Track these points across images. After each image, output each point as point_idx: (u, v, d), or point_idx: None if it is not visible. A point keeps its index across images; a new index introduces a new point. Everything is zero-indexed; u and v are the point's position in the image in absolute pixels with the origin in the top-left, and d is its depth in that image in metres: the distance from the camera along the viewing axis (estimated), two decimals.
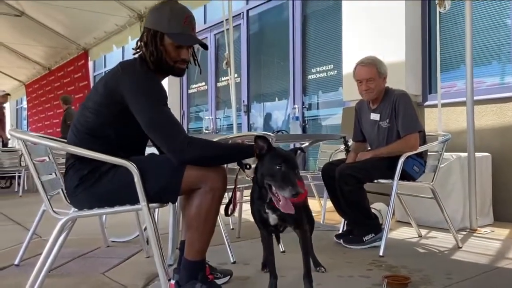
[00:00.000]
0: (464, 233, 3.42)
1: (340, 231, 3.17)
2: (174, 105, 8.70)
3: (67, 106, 9.00)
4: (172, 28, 1.94)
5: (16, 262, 2.67)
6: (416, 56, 4.64)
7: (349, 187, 2.82)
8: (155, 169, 1.83)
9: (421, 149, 2.87)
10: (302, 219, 1.97)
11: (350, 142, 3.44)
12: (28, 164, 1.77)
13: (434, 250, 2.91)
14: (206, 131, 7.88)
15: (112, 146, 1.87)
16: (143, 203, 1.77)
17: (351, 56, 5.07)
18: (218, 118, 7.83)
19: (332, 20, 5.87)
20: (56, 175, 2.11)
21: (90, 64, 10.35)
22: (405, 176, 2.87)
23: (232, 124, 5.38)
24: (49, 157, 2.10)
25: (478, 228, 3.51)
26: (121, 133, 1.91)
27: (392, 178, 2.80)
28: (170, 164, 1.82)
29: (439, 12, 3.94)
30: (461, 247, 2.91)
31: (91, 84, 10.59)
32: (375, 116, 2.99)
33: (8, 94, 9.44)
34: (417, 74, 4.65)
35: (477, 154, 3.66)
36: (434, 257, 2.75)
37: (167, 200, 1.91)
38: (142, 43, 2.00)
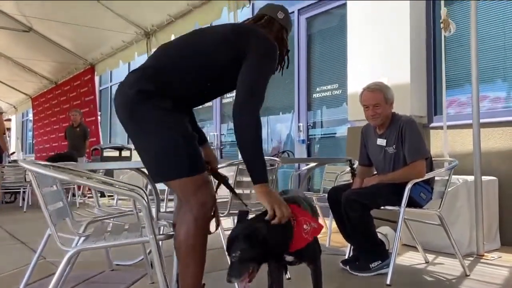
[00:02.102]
0: (471, 258, 3.39)
1: (346, 257, 3.15)
2: None
3: (81, 120, 8.95)
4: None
5: (21, 287, 2.66)
6: (421, 77, 4.65)
7: (355, 213, 2.81)
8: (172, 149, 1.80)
9: (427, 176, 2.86)
10: (316, 255, 1.94)
11: (356, 164, 3.43)
12: (37, 195, 1.77)
13: (442, 278, 2.88)
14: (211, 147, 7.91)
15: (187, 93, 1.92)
16: (150, 236, 1.77)
17: (356, 77, 5.08)
18: (223, 134, 7.85)
19: (337, 40, 5.90)
20: (63, 203, 2.11)
21: (96, 78, 10.41)
22: (412, 203, 2.86)
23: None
24: (56, 186, 2.10)
25: (485, 254, 3.48)
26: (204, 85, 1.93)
27: (399, 204, 2.79)
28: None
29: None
30: (468, 275, 2.88)
31: (97, 99, 10.66)
32: (381, 142, 2.99)
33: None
34: (423, 95, 4.64)
35: (484, 178, 3.64)
36: (442, 286, 2.72)
37: (154, 174, 1.88)
38: (269, 26, 2.09)
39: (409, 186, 2.77)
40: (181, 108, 1.92)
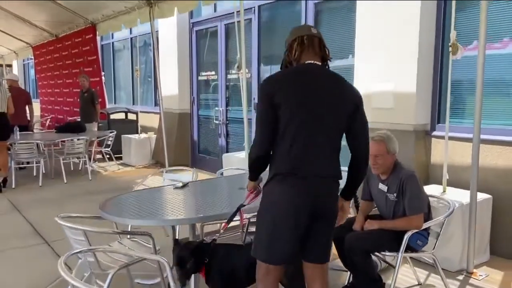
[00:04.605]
0: (461, 277, 3.69)
1: (346, 283, 3.44)
2: (184, 91, 8.74)
3: (89, 84, 8.94)
4: None
5: None
6: (427, 85, 4.68)
7: (357, 257, 3.04)
8: None
9: (425, 225, 3.06)
10: None
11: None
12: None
13: None
14: (216, 121, 8.02)
15: None
16: None
17: (362, 81, 5.07)
18: (228, 109, 7.92)
19: (345, 36, 5.81)
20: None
21: (98, 38, 10.20)
22: (408, 247, 3.09)
23: (242, 118, 5.78)
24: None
25: (475, 271, 3.78)
26: None
27: (397, 250, 3.02)
28: None
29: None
30: None
31: (100, 59, 10.54)
32: (383, 187, 3.16)
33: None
34: (427, 103, 4.70)
35: (479, 197, 3.83)
36: None
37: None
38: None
39: (408, 234, 2.99)
40: None
